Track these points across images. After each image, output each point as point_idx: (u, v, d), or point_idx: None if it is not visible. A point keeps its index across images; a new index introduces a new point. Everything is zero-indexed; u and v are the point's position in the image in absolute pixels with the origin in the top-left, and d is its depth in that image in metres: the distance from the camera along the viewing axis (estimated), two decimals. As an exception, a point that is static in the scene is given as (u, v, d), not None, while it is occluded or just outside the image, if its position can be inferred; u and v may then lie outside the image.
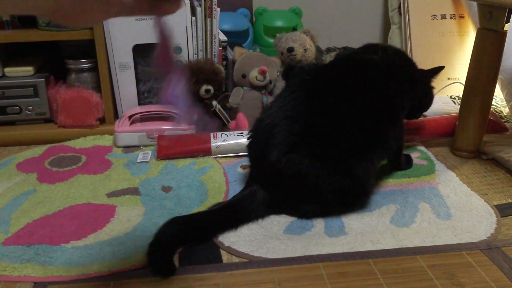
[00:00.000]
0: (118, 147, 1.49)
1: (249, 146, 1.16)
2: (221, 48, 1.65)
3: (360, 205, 1.14)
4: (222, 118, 1.56)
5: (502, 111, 1.74)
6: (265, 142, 1.07)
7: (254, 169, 1.15)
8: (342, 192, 1.07)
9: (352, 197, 1.10)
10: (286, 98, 1.10)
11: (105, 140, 1.53)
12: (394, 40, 1.99)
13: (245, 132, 1.40)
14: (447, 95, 1.87)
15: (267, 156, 1.06)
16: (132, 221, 1.09)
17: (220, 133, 1.44)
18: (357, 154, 1.08)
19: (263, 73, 1.58)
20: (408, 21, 1.90)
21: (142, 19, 1.52)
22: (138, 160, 1.39)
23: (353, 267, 0.94)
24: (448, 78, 1.91)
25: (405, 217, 1.10)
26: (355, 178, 1.07)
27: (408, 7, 1.91)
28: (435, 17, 1.92)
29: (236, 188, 1.21)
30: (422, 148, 1.47)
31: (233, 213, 1.06)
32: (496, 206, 1.15)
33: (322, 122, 1.06)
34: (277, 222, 1.08)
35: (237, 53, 1.67)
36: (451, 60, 1.92)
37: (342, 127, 1.07)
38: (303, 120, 1.06)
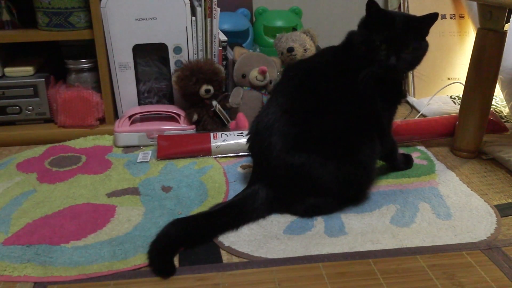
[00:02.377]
0: (118, 147, 1.49)
1: (251, 146, 1.16)
2: (221, 48, 1.65)
3: (364, 196, 1.15)
4: (222, 118, 1.56)
5: (502, 111, 1.74)
6: (266, 140, 1.08)
7: (258, 167, 1.15)
8: (346, 181, 1.07)
9: (356, 185, 1.10)
10: (279, 97, 1.11)
11: (105, 140, 1.53)
12: (394, 40, 1.99)
13: (245, 132, 1.40)
14: (447, 95, 1.87)
15: (270, 152, 1.06)
16: (132, 221, 1.09)
17: (220, 133, 1.44)
18: (357, 141, 1.08)
19: (263, 73, 1.58)
20: (408, 21, 1.90)
21: (142, 19, 1.52)
22: (138, 160, 1.39)
23: (353, 267, 0.94)
24: (448, 78, 1.91)
25: (405, 217, 1.10)
26: (359, 164, 1.07)
27: (408, 7, 1.91)
28: (435, 17, 1.92)
29: (236, 188, 1.21)
30: (422, 148, 1.47)
31: (235, 213, 1.06)
32: (496, 206, 1.15)
33: (316, 115, 1.07)
34: (277, 222, 1.08)
35: (237, 53, 1.67)
36: (451, 60, 1.92)
37: (333, 118, 1.07)
38: (298, 115, 1.07)
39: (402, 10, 1.92)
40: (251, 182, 1.14)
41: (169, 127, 1.51)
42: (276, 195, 1.09)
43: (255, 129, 1.14)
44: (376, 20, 1.08)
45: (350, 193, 1.11)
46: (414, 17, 1.13)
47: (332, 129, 1.07)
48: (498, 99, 1.80)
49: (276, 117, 1.08)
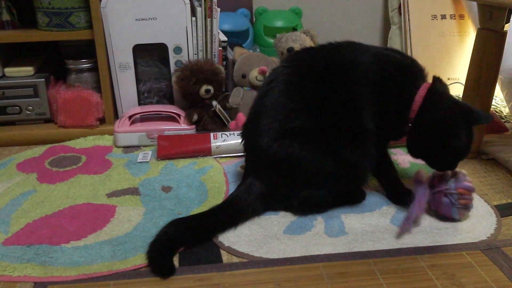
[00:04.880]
0: (118, 147, 1.49)
1: (242, 139, 1.17)
2: (221, 48, 1.65)
3: (359, 193, 1.16)
4: (222, 118, 1.56)
5: (502, 111, 1.74)
6: (254, 131, 1.09)
7: (249, 161, 1.16)
8: (330, 173, 1.06)
9: (343, 180, 1.09)
10: (268, 89, 1.11)
11: (105, 140, 1.53)
12: (394, 40, 1.98)
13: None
14: (447, 95, 1.87)
15: (257, 144, 1.08)
16: (132, 221, 1.09)
17: (220, 133, 1.45)
18: (344, 138, 1.07)
19: (263, 73, 1.58)
20: (408, 21, 1.90)
21: (142, 19, 1.52)
22: (138, 160, 1.39)
23: (353, 267, 0.94)
24: (448, 78, 1.91)
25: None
26: (342, 160, 1.06)
27: (408, 7, 1.90)
28: (435, 17, 1.92)
29: (236, 188, 1.21)
30: (422, 148, 1.47)
31: (231, 210, 1.07)
32: (496, 206, 1.15)
33: (304, 108, 1.07)
34: (277, 222, 1.08)
35: (237, 53, 1.67)
36: (451, 60, 1.92)
37: (321, 112, 1.07)
38: (286, 107, 1.07)
39: (402, 10, 1.92)
40: (244, 177, 1.15)
41: (169, 127, 1.51)
42: (269, 188, 1.09)
43: (247, 121, 1.16)
44: None
45: (339, 187, 1.10)
46: None
47: (316, 125, 1.06)
48: (498, 99, 1.80)
49: (264, 108, 1.09)
